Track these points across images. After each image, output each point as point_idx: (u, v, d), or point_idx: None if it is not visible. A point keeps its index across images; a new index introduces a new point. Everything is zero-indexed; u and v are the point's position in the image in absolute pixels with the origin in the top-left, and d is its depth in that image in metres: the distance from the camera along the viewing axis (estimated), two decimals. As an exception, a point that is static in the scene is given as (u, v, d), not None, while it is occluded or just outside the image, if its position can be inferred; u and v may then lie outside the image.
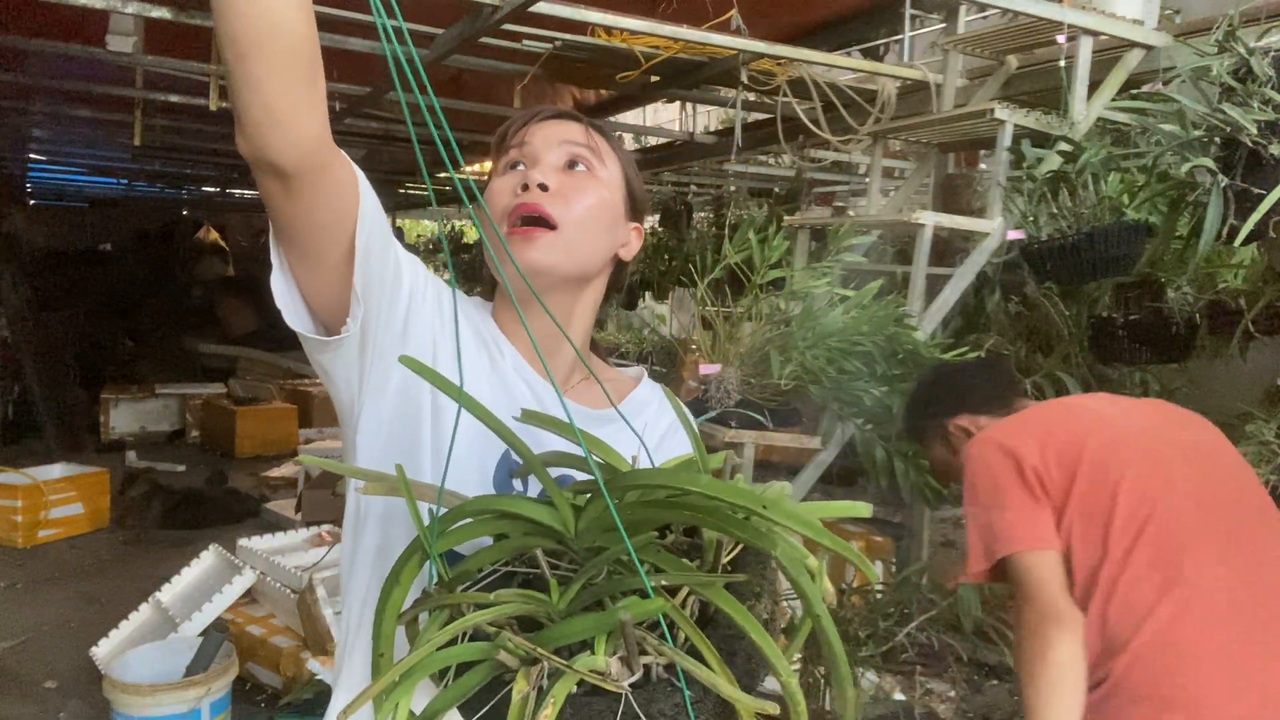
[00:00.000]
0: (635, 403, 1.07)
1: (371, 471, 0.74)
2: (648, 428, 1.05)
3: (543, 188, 0.96)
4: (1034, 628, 1.36)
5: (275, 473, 6.45)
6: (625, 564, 0.64)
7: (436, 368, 0.95)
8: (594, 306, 1.06)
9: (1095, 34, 2.78)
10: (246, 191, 9.82)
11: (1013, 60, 3.19)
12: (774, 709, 0.60)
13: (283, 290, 0.87)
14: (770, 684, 0.68)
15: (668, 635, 0.61)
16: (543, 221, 0.96)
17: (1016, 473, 1.46)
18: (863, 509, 0.65)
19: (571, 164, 1.00)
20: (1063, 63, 2.74)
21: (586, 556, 0.67)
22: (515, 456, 0.95)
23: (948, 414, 1.75)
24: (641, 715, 0.58)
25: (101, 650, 3.41)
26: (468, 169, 7.53)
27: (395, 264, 0.92)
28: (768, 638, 0.61)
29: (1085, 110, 2.74)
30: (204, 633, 3.20)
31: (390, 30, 0.67)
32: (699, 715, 0.60)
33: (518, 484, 0.93)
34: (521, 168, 0.99)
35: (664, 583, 0.62)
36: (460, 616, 0.64)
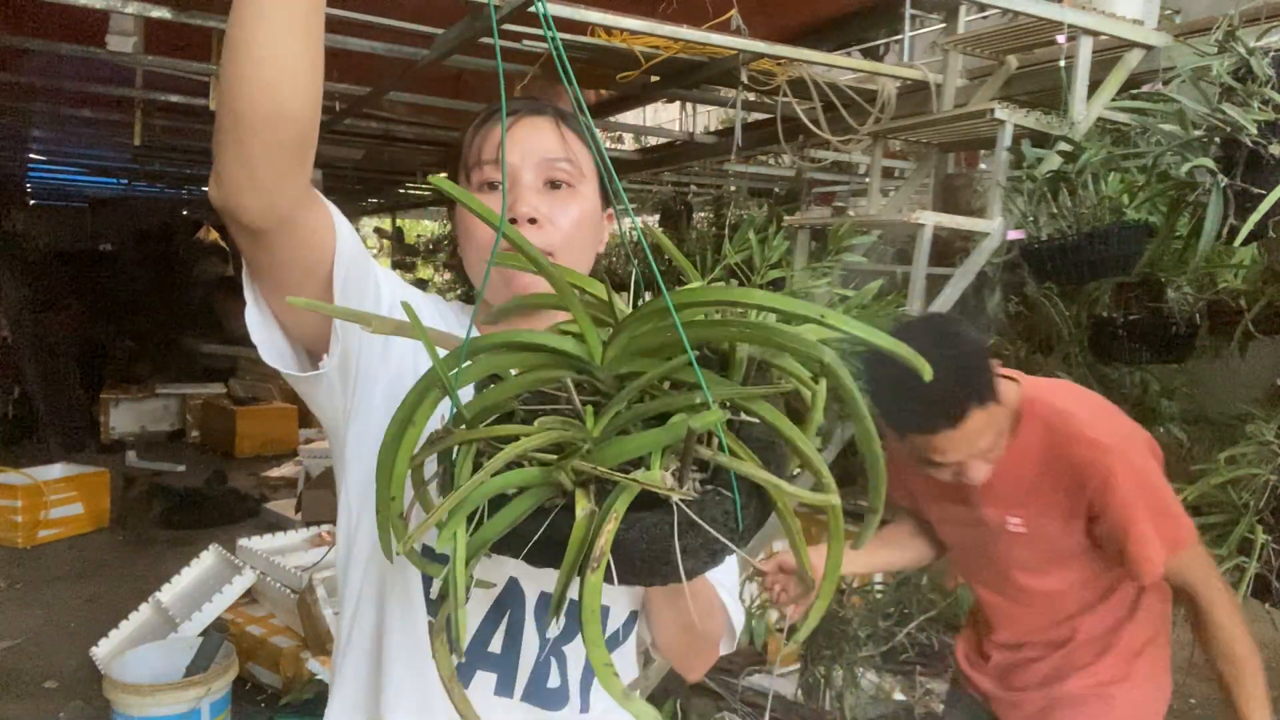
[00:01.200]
0: None
1: (371, 314, 0.72)
2: None
3: (532, 221, 0.94)
4: (1232, 601, 1.51)
5: (275, 473, 6.46)
6: (658, 387, 0.66)
7: (417, 379, 0.95)
8: None
9: (1095, 34, 2.78)
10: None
11: (1013, 60, 3.18)
12: (832, 500, 0.64)
13: (259, 324, 0.86)
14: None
15: (724, 445, 0.63)
16: None
17: (1163, 470, 1.54)
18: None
19: (552, 183, 0.97)
20: (1063, 63, 2.74)
21: (615, 385, 0.67)
22: None
23: (994, 374, 1.52)
24: (697, 519, 0.60)
25: (101, 650, 3.41)
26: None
27: (375, 286, 0.91)
28: (803, 436, 0.64)
29: (1085, 110, 2.74)
30: (204, 633, 3.21)
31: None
32: (745, 520, 0.63)
33: None
34: (499, 187, 0.96)
35: (709, 399, 0.63)
36: (482, 454, 0.65)
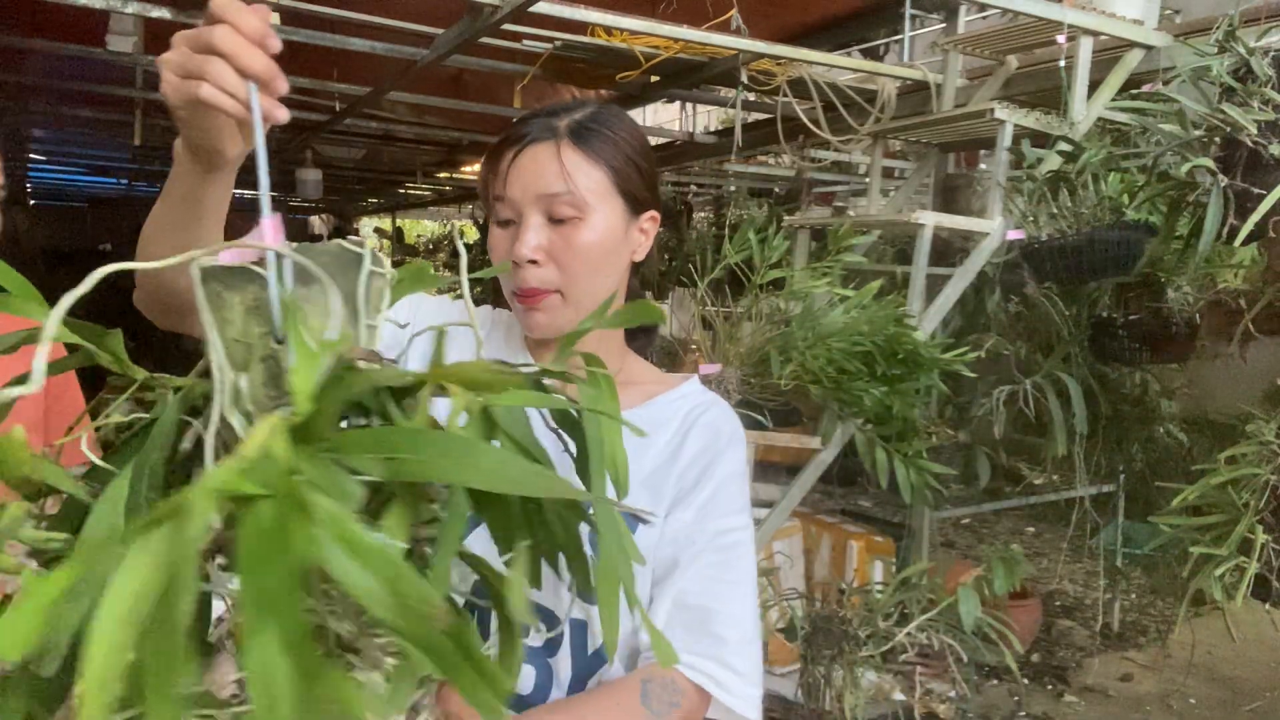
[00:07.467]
0: (658, 406, 1.02)
1: None
2: (664, 444, 1.00)
3: (532, 262, 0.93)
4: None
5: (275, 473, 6.45)
6: None
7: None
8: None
9: (1095, 34, 2.78)
10: (246, 192, 9.79)
11: (1013, 60, 3.19)
12: None
13: None
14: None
15: None
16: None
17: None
18: None
19: (554, 218, 0.93)
20: (1063, 63, 2.74)
21: None
22: None
23: None
24: None
25: (101, 650, 3.41)
26: (466, 169, 7.53)
27: None
28: None
29: (1085, 110, 2.74)
30: (204, 633, 3.21)
31: None
32: None
33: None
34: (511, 224, 0.96)
35: None
36: None
